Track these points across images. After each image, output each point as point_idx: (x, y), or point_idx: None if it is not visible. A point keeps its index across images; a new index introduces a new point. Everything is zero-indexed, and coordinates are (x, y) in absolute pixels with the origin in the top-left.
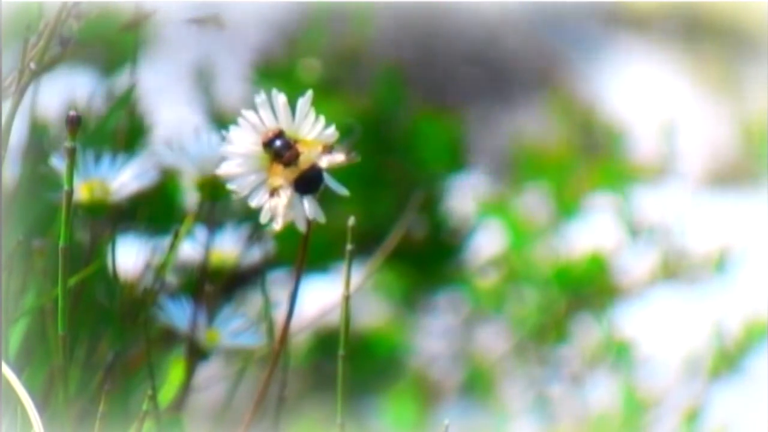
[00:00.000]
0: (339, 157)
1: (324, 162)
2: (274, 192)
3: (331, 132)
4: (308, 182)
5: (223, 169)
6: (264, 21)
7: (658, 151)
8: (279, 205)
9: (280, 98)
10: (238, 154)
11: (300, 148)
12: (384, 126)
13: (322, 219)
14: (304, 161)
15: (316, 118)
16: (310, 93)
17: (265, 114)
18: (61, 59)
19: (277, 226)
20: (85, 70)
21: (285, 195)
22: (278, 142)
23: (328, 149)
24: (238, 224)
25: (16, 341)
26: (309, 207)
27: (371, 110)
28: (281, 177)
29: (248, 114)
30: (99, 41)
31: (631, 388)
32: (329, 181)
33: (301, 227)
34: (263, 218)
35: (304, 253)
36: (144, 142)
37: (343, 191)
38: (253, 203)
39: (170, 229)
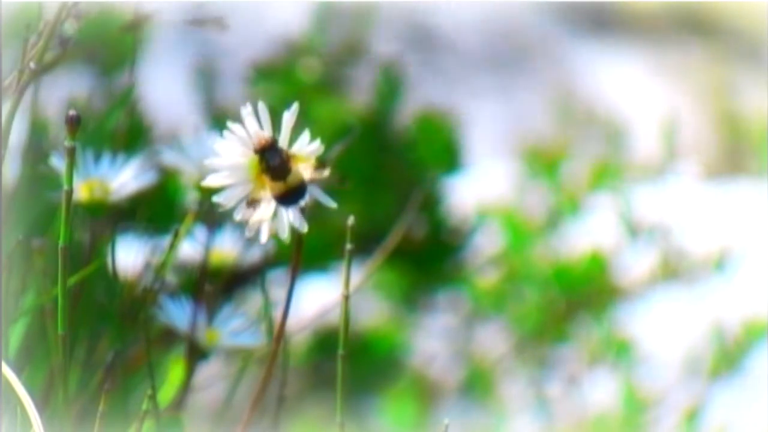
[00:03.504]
0: (325, 175)
1: (310, 177)
2: (253, 202)
3: (317, 146)
4: (292, 198)
5: (210, 181)
6: (264, 21)
7: (658, 151)
8: (260, 218)
9: (264, 111)
10: (225, 166)
11: (291, 163)
12: (384, 126)
13: (304, 229)
14: (294, 179)
15: (302, 131)
16: (295, 106)
17: (252, 126)
18: (61, 59)
19: (263, 239)
20: (85, 70)
21: (267, 208)
22: (271, 153)
23: (320, 167)
24: (238, 224)
25: (16, 341)
26: (293, 217)
27: (371, 110)
28: (266, 189)
29: (234, 126)
30: (99, 41)
31: (631, 388)
32: (317, 194)
33: (283, 236)
34: (249, 233)
35: (299, 252)
36: (144, 142)
37: (331, 204)
38: (238, 217)
39: (170, 228)
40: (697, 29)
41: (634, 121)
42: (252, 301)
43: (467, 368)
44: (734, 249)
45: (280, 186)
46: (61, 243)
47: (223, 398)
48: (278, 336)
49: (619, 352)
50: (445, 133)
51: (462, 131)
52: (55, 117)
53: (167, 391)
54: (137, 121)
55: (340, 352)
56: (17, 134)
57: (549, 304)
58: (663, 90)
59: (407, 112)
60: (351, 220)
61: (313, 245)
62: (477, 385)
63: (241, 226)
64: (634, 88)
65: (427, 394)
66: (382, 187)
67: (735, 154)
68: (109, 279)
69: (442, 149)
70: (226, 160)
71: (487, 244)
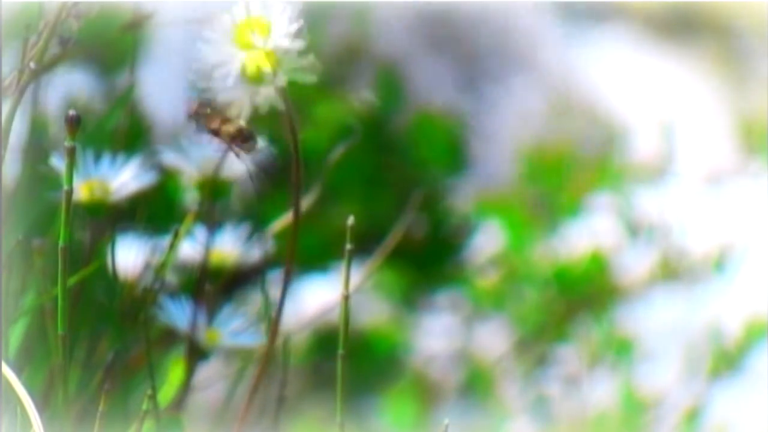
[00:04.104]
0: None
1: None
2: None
3: (298, 17)
4: (244, 141)
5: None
6: None
7: (658, 151)
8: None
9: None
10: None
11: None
12: (384, 126)
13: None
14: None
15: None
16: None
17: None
18: (61, 59)
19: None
20: (85, 70)
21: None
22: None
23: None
24: (238, 224)
25: (16, 341)
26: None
27: (371, 110)
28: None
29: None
30: (99, 41)
31: (631, 388)
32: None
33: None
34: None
35: (293, 251)
36: (144, 142)
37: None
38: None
39: (170, 228)
40: (698, 28)
41: (635, 121)
42: (252, 301)
43: (467, 368)
44: (734, 249)
45: (228, 129)
46: (61, 243)
47: (223, 398)
48: (272, 336)
49: (619, 352)
50: (445, 133)
51: (463, 131)
52: (55, 117)
53: (167, 391)
54: (137, 121)
55: (340, 352)
56: (17, 134)
57: (549, 304)
58: (663, 89)
59: (407, 112)
60: (351, 220)
61: (313, 245)
62: (477, 385)
63: (242, 226)
64: (636, 87)
65: (427, 394)
66: (382, 187)
67: (738, 154)
68: (109, 279)
69: (442, 149)
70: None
71: (487, 244)
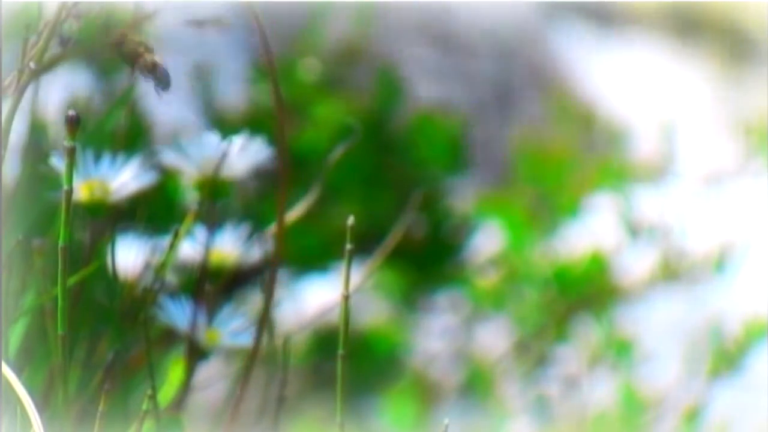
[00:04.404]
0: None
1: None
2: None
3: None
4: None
5: None
6: (264, 21)
7: (658, 151)
8: None
9: None
10: None
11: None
12: (384, 126)
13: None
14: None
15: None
16: None
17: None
18: (61, 59)
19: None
20: (85, 70)
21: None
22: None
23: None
24: (238, 224)
25: (16, 341)
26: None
27: (371, 110)
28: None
29: None
30: (99, 41)
31: (631, 388)
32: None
33: None
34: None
35: (279, 251)
36: (144, 142)
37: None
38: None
39: (170, 228)
40: (700, 28)
41: (635, 121)
42: (252, 301)
43: (467, 368)
44: (734, 249)
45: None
46: (61, 243)
47: (223, 398)
48: (260, 336)
49: (619, 352)
50: (445, 133)
51: (463, 131)
52: (55, 117)
53: (167, 391)
54: (137, 121)
55: (340, 352)
56: (17, 134)
57: (549, 304)
58: (664, 89)
59: (407, 112)
60: (351, 220)
61: (313, 245)
62: (477, 385)
63: (242, 226)
64: (637, 87)
65: (427, 394)
66: (382, 187)
67: (738, 154)
68: (109, 279)
69: (442, 149)
70: None
71: (487, 244)
